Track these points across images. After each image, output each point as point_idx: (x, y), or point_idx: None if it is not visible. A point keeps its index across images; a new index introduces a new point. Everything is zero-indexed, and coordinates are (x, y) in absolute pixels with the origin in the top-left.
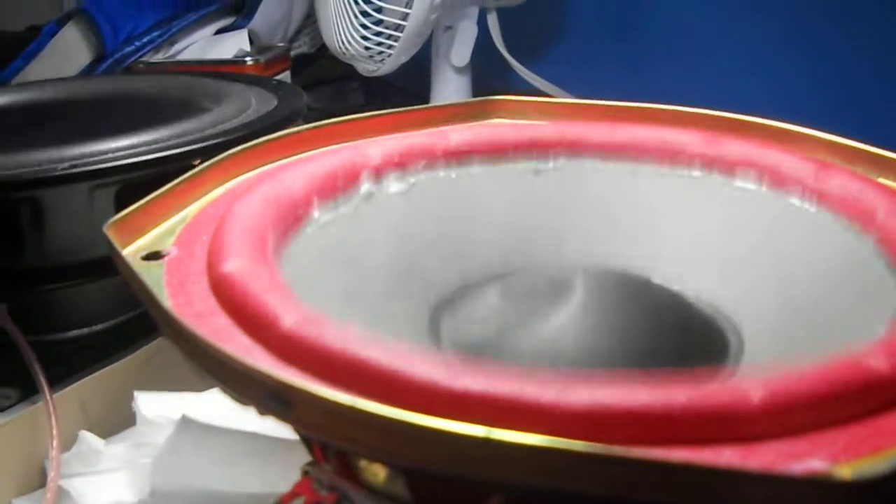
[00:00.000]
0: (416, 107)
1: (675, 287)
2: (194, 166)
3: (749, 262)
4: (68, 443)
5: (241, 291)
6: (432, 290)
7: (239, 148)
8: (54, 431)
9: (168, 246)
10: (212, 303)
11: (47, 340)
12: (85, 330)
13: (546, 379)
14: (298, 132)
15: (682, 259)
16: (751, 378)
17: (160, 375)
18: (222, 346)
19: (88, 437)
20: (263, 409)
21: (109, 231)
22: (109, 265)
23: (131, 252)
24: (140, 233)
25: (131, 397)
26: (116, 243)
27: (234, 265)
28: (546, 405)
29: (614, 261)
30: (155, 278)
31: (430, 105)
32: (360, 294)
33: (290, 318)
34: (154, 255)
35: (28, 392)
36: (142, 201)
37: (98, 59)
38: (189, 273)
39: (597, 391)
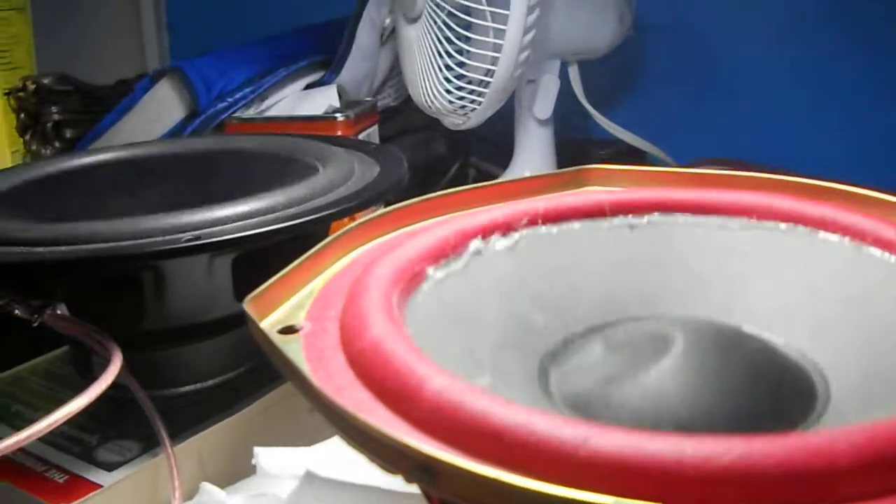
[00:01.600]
0: (513, 178)
1: (765, 335)
2: (311, 234)
3: (834, 311)
4: (187, 494)
5: (380, 366)
6: (539, 341)
7: (356, 223)
8: (176, 483)
9: (300, 320)
10: (350, 377)
11: (163, 395)
12: (199, 385)
13: (659, 445)
14: (408, 206)
15: (769, 307)
16: (840, 441)
17: (271, 428)
18: (373, 422)
19: (210, 489)
20: (410, 479)
21: (248, 306)
22: (223, 325)
23: (268, 326)
24: (272, 307)
25: (246, 449)
26: (255, 317)
27: (369, 341)
28: (660, 473)
29: (706, 311)
30: (294, 352)
31: (526, 176)
32: (474, 347)
33: (428, 392)
34: (289, 330)
35: (148, 446)
36: (274, 278)
37: (191, 115)
38: (324, 348)
39: (707, 457)
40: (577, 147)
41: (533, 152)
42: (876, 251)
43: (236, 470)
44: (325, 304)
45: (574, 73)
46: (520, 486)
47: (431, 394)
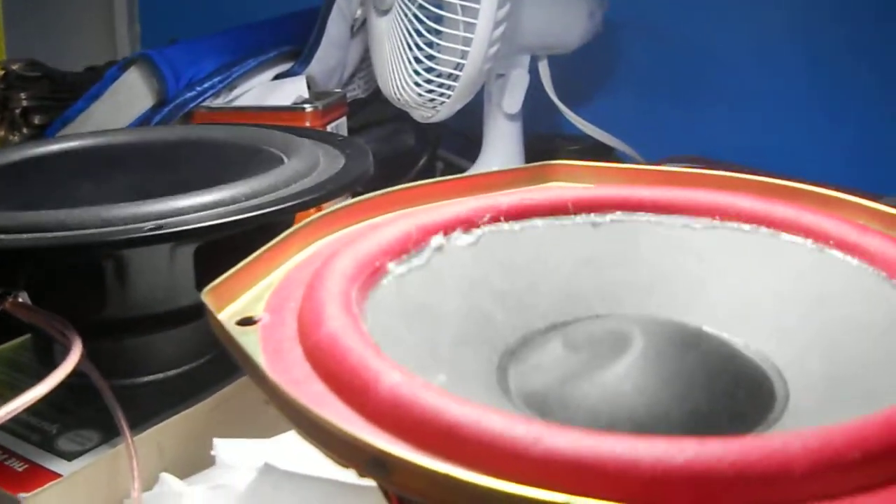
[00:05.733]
0: (478, 173)
1: (725, 336)
2: (276, 225)
3: (795, 313)
4: (146, 484)
5: (336, 360)
6: (499, 338)
7: (318, 215)
8: (135, 473)
9: (259, 312)
10: (307, 369)
11: (123, 385)
12: (159, 375)
13: (612, 445)
14: (370, 199)
15: (731, 308)
16: (795, 444)
17: (232, 419)
18: (326, 416)
19: (169, 479)
20: (363, 473)
21: (206, 297)
22: (184, 316)
23: (226, 317)
24: (231, 298)
25: (205, 440)
26: (213, 308)
27: (326, 334)
28: (614, 472)
29: (667, 310)
30: (251, 344)
31: (490, 171)
32: (433, 343)
33: (382, 387)
34: (247, 321)
35: (108, 435)
36: (234, 269)
37: (160, 104)
38: (282, 340)
39: (660, 458)
40: (545, 142)
41: (501, 146)
42: (838, 253)
43: (196, 461)
44: (285, 296)
45: (544, 69)
46: (472, 482)
47: (386, 389)
